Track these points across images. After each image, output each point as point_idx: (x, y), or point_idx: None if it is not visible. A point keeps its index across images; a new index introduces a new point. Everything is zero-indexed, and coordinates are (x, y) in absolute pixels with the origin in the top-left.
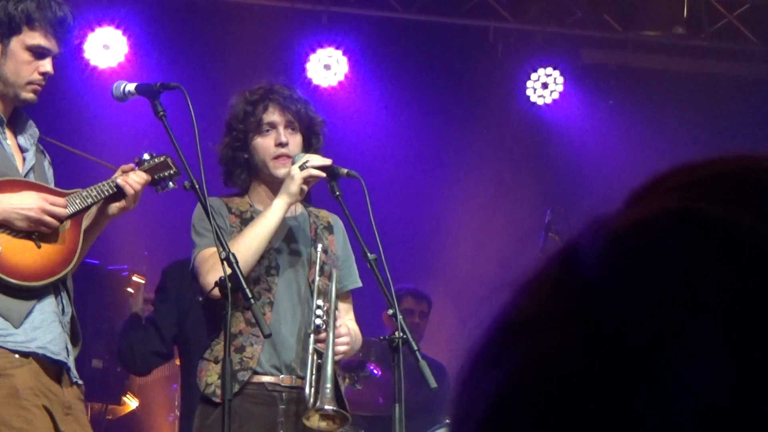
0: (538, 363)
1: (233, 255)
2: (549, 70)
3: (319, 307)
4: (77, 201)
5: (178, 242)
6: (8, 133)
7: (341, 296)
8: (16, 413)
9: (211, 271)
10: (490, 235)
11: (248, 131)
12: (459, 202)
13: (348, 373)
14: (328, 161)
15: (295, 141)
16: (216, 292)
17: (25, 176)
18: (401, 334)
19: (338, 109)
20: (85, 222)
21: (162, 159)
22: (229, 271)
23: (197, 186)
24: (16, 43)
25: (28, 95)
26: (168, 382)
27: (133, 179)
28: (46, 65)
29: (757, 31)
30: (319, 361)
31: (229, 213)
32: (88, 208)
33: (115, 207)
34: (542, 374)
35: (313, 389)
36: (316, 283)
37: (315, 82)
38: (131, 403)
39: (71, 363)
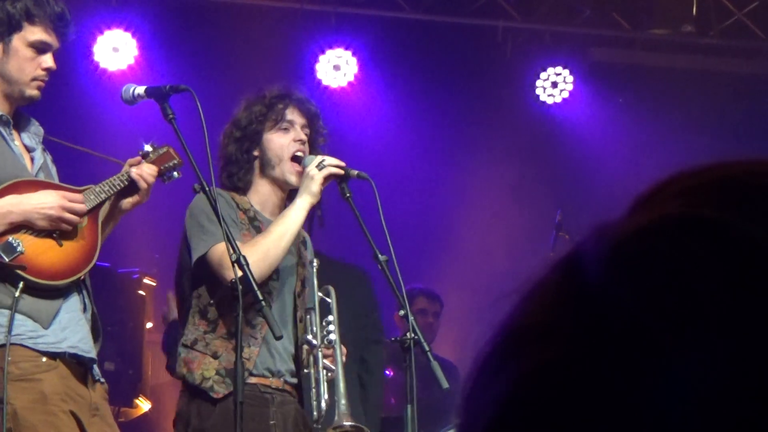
0: (541, 371)
1: (244, 257)
2: (558, 68)
3: (329, 322)
4: (92, 197)
5: None
6: (15, 134)
7: None
8: (44, 419)
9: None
10: (501, 235)
11: (263, 130)
12: (469, 201)
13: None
14: (342, 162)
15: (307, 145)
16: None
17: (35, 176)
18: (412, 335)
19: (348, 110)
20: (101, 217)
21: (165, 150)
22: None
23: (207, 189)
24: (17, 41)
25: (32, 92)
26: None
27: (146, 172)
28: (48, 60)
29: (766, 28)
30: (329, 374)
31: (237, 209)
32: (102, 203)
33: (128, 202)
34: (545, 382)
35: (315, 402)
36: (302, 296)
37: (324, 83)
38: (143, 405)
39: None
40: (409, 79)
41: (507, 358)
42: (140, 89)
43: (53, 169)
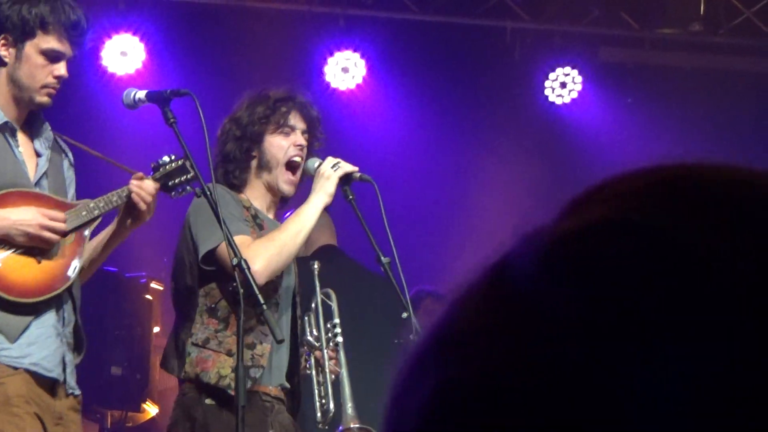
0: (461, 379)
1: (245, 261)
2: (567, 69)
3: (335, 325)
4: (83, 213)
5: None
6: (22, 139)
7: None
8: (8, 420)
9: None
10: (509, 237)
11: (264, 131)
12: (478, 203)
13: None
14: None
15: (305, 150)
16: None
17: (36, 183)
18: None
19: (357, 112)
20: (107, 234)
21: (180, 163)
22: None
23: (209, 193)
24: (30, 48)
25: (42, 99)
26: None
27: (144, 191)
28: (61, 68)
29: None
30: (333, 377)
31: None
32: (94, 219)
33: (131, 222)
34: (466, 391)
35: (319, 404)
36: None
37: (333, 85)
38: (151, 410)
39: (68, 375)
40: (418, 81)
41: (430, 365)
42: (141, 93)
43: (69, 173)
